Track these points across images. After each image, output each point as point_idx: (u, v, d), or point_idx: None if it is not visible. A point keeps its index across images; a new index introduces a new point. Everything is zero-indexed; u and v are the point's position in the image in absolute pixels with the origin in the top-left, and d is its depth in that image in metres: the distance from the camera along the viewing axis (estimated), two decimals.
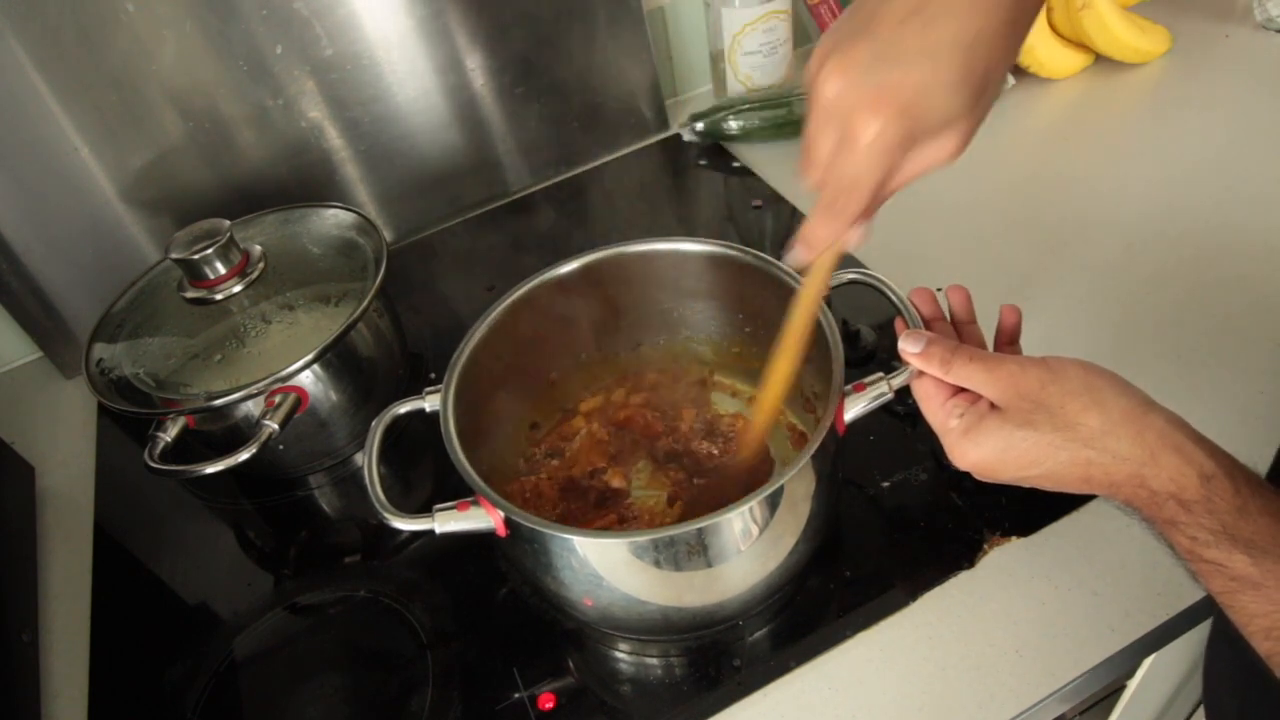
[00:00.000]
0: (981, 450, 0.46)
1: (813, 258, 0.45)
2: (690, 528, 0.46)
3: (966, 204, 0.86)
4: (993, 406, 0.47)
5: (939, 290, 0.54)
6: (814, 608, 0.58)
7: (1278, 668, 0.39)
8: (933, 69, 0.37)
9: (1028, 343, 0.56)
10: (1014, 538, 0.59)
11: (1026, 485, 0.47)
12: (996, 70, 0.39)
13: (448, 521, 0.50)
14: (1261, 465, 0.53)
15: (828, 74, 0.39)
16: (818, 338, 0.54)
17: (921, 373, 0.50)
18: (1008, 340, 0.55)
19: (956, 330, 0.56)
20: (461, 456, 0.51)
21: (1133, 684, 0.68)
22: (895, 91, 0.38)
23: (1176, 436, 0.43)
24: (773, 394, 0.52)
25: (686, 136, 1.00)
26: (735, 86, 1.01)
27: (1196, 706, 0.82)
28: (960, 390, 0.49)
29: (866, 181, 0.40)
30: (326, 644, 0.63)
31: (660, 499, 0.62)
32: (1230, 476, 0.41)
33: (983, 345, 0.55)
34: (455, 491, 0.51)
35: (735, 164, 0.98)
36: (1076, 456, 0.44)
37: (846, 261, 0.80)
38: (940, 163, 0.41)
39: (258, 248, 0.72)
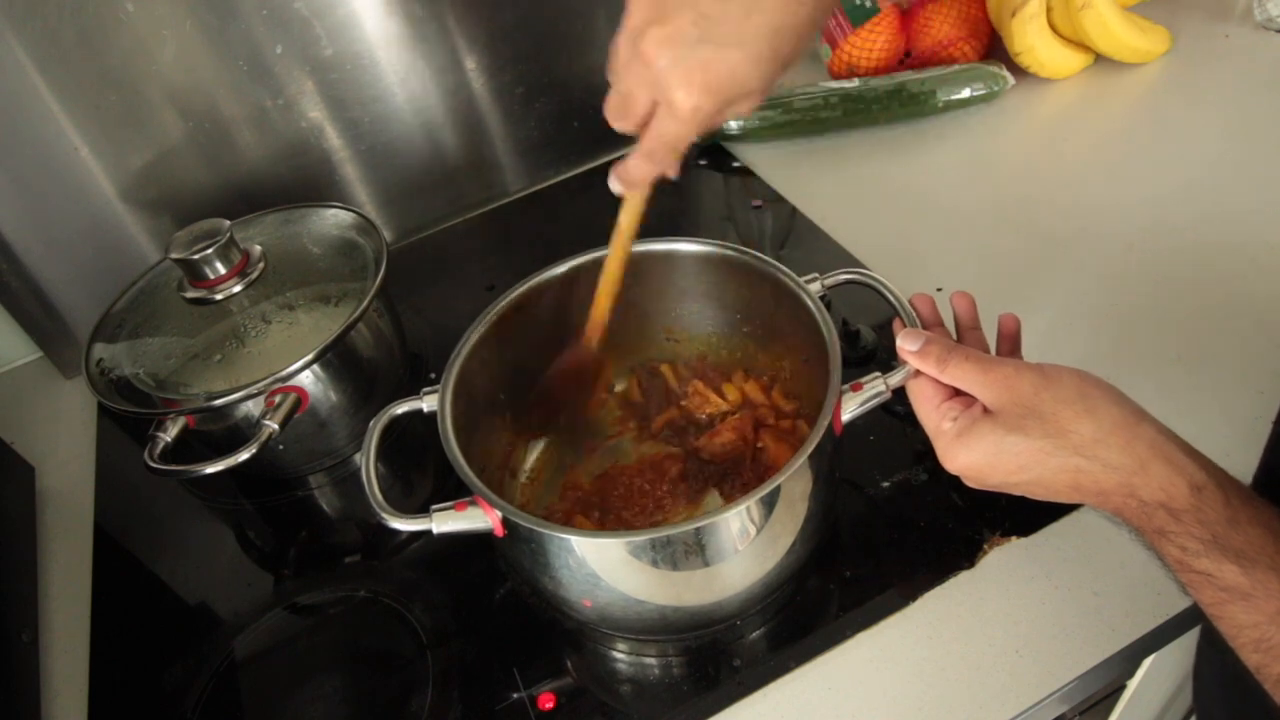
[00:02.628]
0: (972, 454, 0.46)
1: (631, 191, 0.52)
2: (688, 527, 0.47)
3: (965, 204, 0.86)
4: (986, 411, 0.47)
5: (939, 290, 0.54)
6: (814, 608, 0.58)
7: (1267, 679, 0.39)
8: (748, 54, 0.42)
9: (1027, 342, 0.56)
10: (1014, 538, 0.59)
11: (1015, 492, 0.47)
12: (796, 56, 0.45)
13: (445, 522, 0.50)
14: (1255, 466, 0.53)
15: (653, 42, 0.43)
16: (815, 337, 0.55)
17: (918, 373, 0.50)
18: (1009, 349, 0.55)
19: (959, 336, 0.56)
20: (459, 456, 0.51)
21: (1132, 684, 0.68)
22: (715, 72, 0.43)
23: (1167, 447, 0.43)
24: (605, 295, 0.58)
25: None
26: None
27: (1192, 709, 0.82)
28: (956, 394, 0.49)
29: (684, 141, 0.47)
30: (326, 644, 0.63)
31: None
32: (1221, 487, 0.41)
33: (985, 351, 0.55)
34: (456, 491, 0.51)
35: (735, 164, 0.98)
36: (1066, 464, 0.44)
37: (846, 261, 0.81)
38: (736, 117, 0.46)
39: (258, 248, 0.72)
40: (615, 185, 0.52)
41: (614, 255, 0.57)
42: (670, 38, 0.42)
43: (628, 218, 0.55)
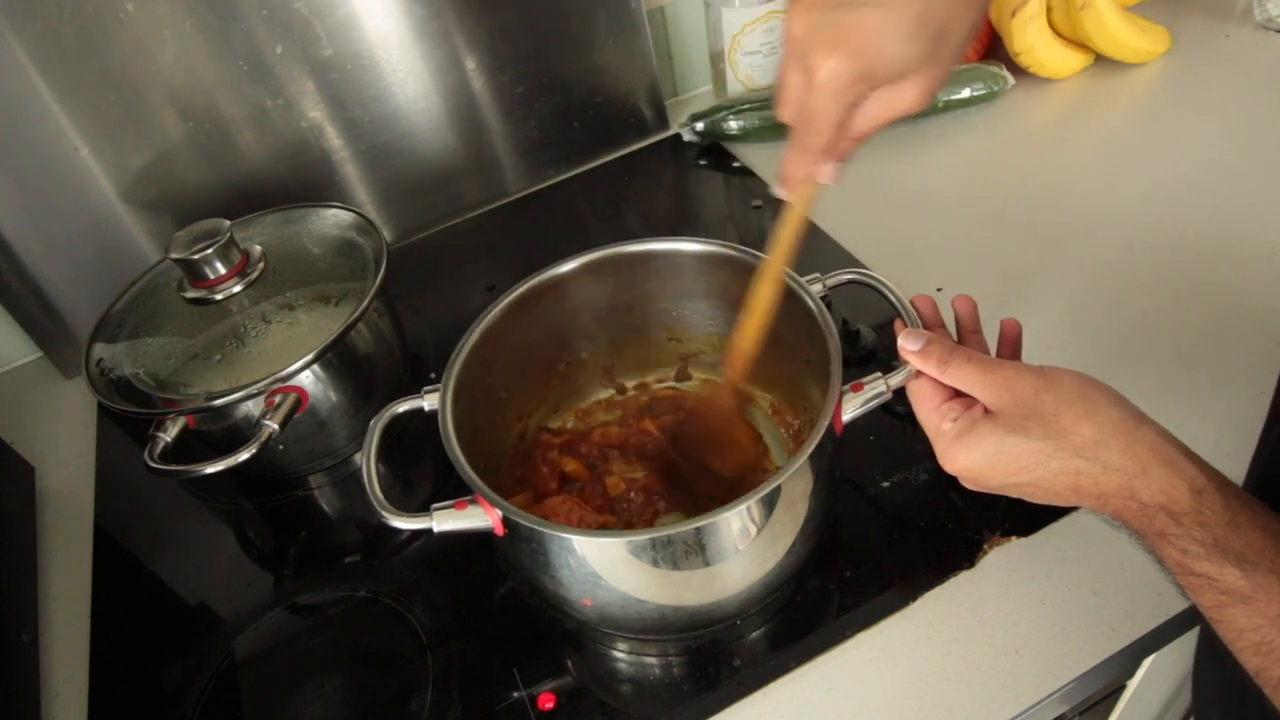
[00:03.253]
0: (972, 455, 0.46)
1: (793, 192, 0.48)
2: (688, 527, 0.47)
3: (966, 204, 0.86)
4: (986, 412, 0.47)
5: (940, 290, 0.54)
6: (814, 608, 0.58)
7: (1267, 683, 0.39)
8: (886, 16, 0.40)
9: (1027, 341, 0.56)
10: (1014, 538, 0.59)
11: (1015, 494, 0.47)
12: (954, 24, 0.41)
13: (445, 520, 0.50)
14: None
15: (795, 14, 0.41)
16: (816, 337, 0.55)
17: (919, 374, 0.50)
18: (1009, 352, 0.55)
19: (961, 338, 0.56)
20: (459, 455, 0.51)
21: (1132, 684, 0.68)
22: (850, 33, 0.40)
23: (1168, 450, 0.43)
24: (756, 324, 0.54)
25: (686, 136, 1.00)
26: (735, 86, 1.01)
27: (1191, 710, 0.82)
28: (956, 395, 0.49)
29: (827, 116, 0.43)
30: (326, 644, 0.63)
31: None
32: (1221, 491, 0.41)
33: (987, 354, 0.55)
34: (457, 490, 0.51)
35: (735, 164, 0.98)
36: (1066, 465, 0.44)
37: (845, 261, 0.81)
38: (901, 109, 0.44)
39: (258, 248, 0.72)
40: (777, 191, 0.48)
41: (769, 273, 0.52)
42: (808, 7, 0.41)
43: (785, 230, 0.50)
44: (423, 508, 0.50)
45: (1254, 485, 0.50)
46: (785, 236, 0.50)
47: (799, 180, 0.47)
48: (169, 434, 0.63)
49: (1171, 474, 0.42)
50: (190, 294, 0.69)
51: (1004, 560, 0.58)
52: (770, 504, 0.49)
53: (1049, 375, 0.46)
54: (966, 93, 0.95)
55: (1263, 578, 0.39)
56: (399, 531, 0.50)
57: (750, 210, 0.92)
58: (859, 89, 0.42)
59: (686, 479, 0.61)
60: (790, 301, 0.58)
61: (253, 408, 0.65)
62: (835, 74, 0.41)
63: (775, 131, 0.97)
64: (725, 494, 0.53)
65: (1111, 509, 0.44)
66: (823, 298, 0.57)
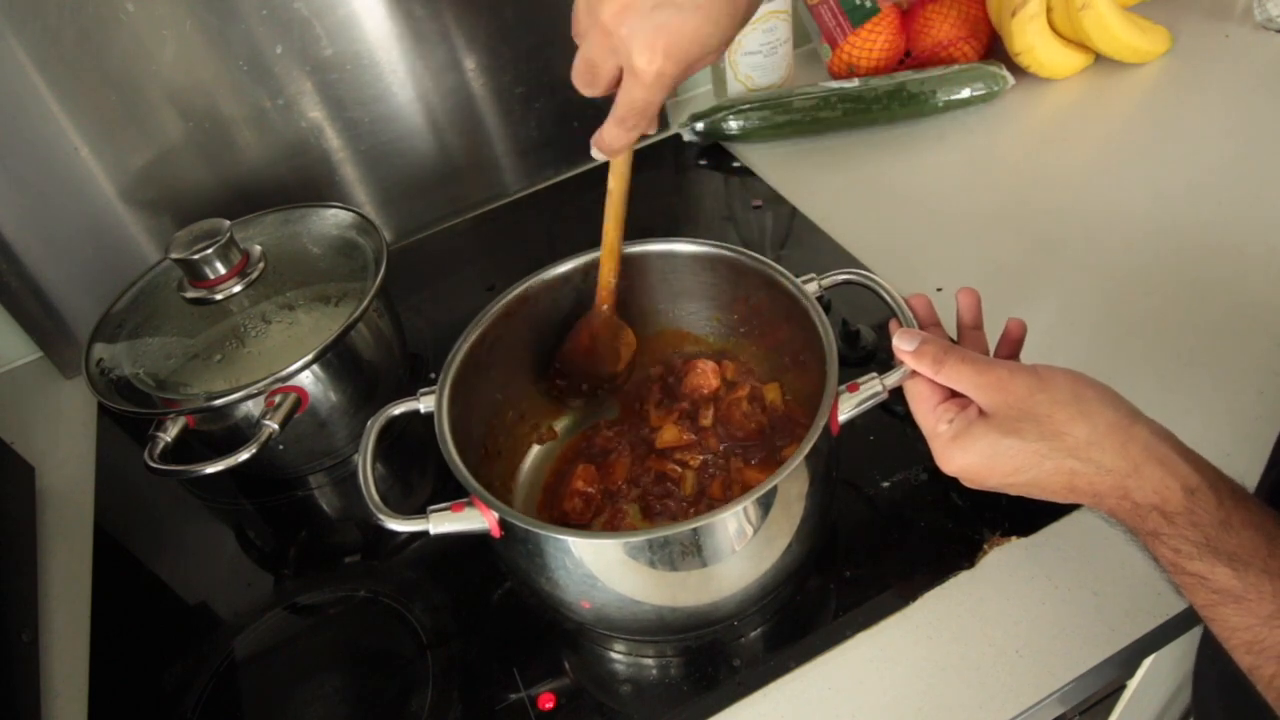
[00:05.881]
0: (968, 456, 0.46)
1: (611, 158, 0.55)
2: (685, 528, 0.47)
3: (965, 204, 0.86)
4: (981, 413, 0.47)
5: (939, 291, 0.54)
6: (813, 608, 0.58)
7: (1259, 680, 0.39)
8: (707, 15, 0.44)
9: (1027, 341, 0.56)
10: (1014, 538, 0.59)
11: (1012, 493, 0.47)
12: (753, 10, 0.47)
13: (442, 523, 0.50)
14: (1260, 464, 0.53)
15: (613, 10, 0.44)
16: (812, 338, 0.55)
17: (915, 374, 0.50)
18: (1008, 353, 0.55)
19: (960, 335, 0.56)
20: (456, 457, 0.51)
21: (1133, 684, 0.68)
22: (675, 35, 0.44)
23: (1161, 449, 0.43)
24: (608, 255, 0.61)
25: (686, 136, 1.00)
26: (735, 86, 1.01)
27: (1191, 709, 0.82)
28: (952, 396, 0.49)
29: (655, 105, 0.48)
30: (326, 644, 0.63)
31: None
32: (1214, 489, 0.41)
33: (985, 352, 0.55)
34: (455, 492, 0.51)
35: (735, 164, 0.98)
36: (1061, 466, 0.44)
37: (844, 261, 0.81)
38: (698, 69, 0.48)
39: (258, 248, 0.72)
40: (596, 153, 0.54)
41: (610, 219, 0.59)
42: (628, 5, 0.44)
43: (616, 181, 0.58)
44: (421, 509, 0.50)
45: (1265, 494, 0.50)
46: (616, 189, 0.58)
47: (619, 152, 0.54)
48: (169, 434, 0.63)
49: (1165, 473, 0.42)
50: (190, 294, 0.69)
51: (1004, 560, 0.58)
52: (767, 505, 0.49)
53: (1043, 375, 0.46)
54: (966, 93, 0.95)
55: (1254, 577, 0.39)
56: (398, 532, 0.50)
57: (750, 210, 0.92)
58: (681, 78, 0.47)
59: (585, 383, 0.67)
60: (786, 301, 0.58)
61: (253, 408, 0.65)
62: (663, 74, 0.46)
63: (775, 131, 0.97)
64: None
65: (1106, 508, 0.44)
66: (820, 298, 0.57)
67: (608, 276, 0.62)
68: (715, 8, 0.44)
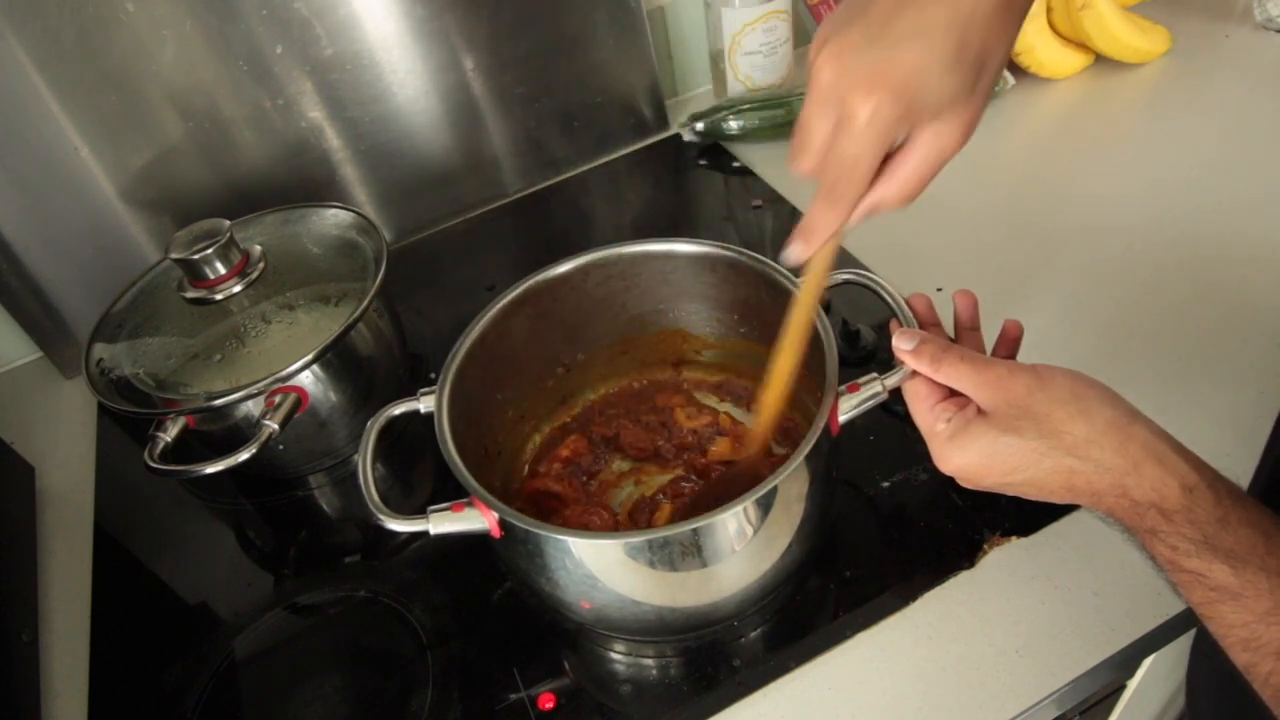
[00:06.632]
0: (966, 455, 0.46)
1: (813, 251, 0.45)
2: (684, 528, 0.46)
3: (965, 204, 0.86)
4: (980, 412, 0.47)
5: (939, 290, 0.54)
6: (813, 608, 0.58)
7: (1255, 678, 0.39)
8: (926, 47, 0.37)
9: (1027, 340, 0.56)
10: (1014, 538, 0.59)
11: (1010, 492, 0.47)
12: (993, 50, 0.39)
13: (442, 523, 0.50)
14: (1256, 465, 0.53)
15: (824, 59, 0.39)
16: (812, 338, 0.55)
17: (914, 374, 0.50)
18: (1005, 353, 0.55)
19: (957, 336, 0.56)
20: (456, 457, 0.51)
21: (1133, 684, 0.68)
22: (889, 71, 0.38)
23: (1160, 447, 0.43)
24: (775, 393, 0.53)
25: (686, 136, 1.00)
26: (735, 86, 1.01)
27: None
28: (951, 395, 0.49)
29: (866, 162, 0.40)
30: (326, 644, 0.63)
31: (650, 486, 0.64)
32: (1212, 488, 0.41)
33: (982, 353, 0.55)
34: (456, 492, 0.51)
35: (735, 164, 0.98)
36: (1060, 465, 0.44)
37: (846, 261, 0.81)
38: (947, 149, 0.41)
39: (258, 248, 0.72)
40: (795, 251, 0.44)
41: (790, 338, 0.49)
42: (837, 51, 0.38)
43: (809, 289, 0.47)
44: (422, 509, 0.50)
45: (1259, 491, 0.50)
46: (806, 300, 0.48)
47: (827, 236, 0.43)
48: (169, 434, 0.64)
49: (1163, 471, 0.42)
50: (190, 294, 0.69)
51: (1004, 560, 0.58)
52: (766, 505, 0.49)
53: (1041, 374, 0.46)
54: None
55: (1251, 574, 0.39)
56: (398, 532, 0.50)
57: (750, 210, 0.92)
58: (901, 128, 0.40)
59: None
60: (786, 301, 0.58)
61: (253, 408, 0.65)
62: (877, 115, 0.38)
63: (775, 131, 0.97)
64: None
65: (1104, 506, 0.44)
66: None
67: (771, 416, 0.52)
68: (940, 40, 0.37)
